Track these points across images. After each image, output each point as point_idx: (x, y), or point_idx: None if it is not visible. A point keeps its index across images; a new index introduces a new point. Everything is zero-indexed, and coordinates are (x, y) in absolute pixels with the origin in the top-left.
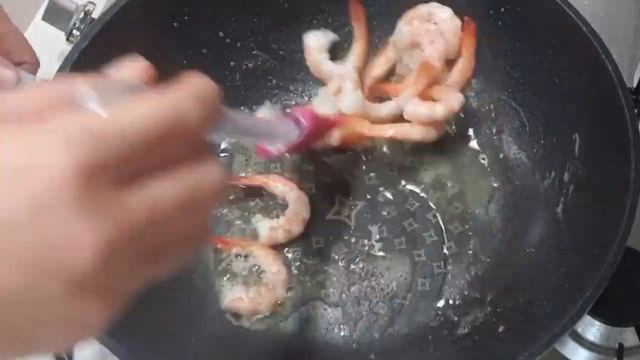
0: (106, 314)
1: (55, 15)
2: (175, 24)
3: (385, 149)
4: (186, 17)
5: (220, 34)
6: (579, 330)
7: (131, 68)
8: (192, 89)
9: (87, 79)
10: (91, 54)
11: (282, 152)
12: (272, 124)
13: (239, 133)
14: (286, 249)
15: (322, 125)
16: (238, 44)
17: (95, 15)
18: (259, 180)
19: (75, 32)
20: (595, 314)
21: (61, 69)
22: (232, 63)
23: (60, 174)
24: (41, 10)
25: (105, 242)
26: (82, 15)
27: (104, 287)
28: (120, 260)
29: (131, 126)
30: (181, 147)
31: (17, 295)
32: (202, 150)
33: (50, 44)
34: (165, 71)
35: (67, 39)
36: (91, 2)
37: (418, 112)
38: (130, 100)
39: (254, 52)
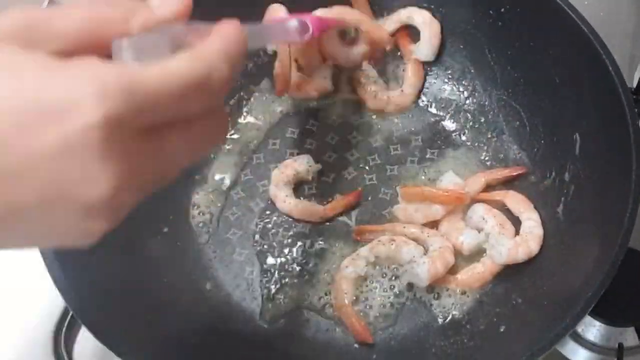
0: (107, 227)
1: None
2: None
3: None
4: None
5: None
6: (579, 330)
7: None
8: (224, 45)
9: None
10: None
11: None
12: (280, 26)
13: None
14: (287, 249)
15: (326, 24)
16: None
17: None
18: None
19: None
20: (595, 314)
21: None
22: None
23: (92, 122)
24: None
25: (119, 181)
26: None
27: (110, 212)
28: (128, 194)
29: (161, 84)
30: (203, 102)
31: (31, 209)
32: (216, 104)
33: None
34: None
35: None
36: None
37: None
38: (166, 55)
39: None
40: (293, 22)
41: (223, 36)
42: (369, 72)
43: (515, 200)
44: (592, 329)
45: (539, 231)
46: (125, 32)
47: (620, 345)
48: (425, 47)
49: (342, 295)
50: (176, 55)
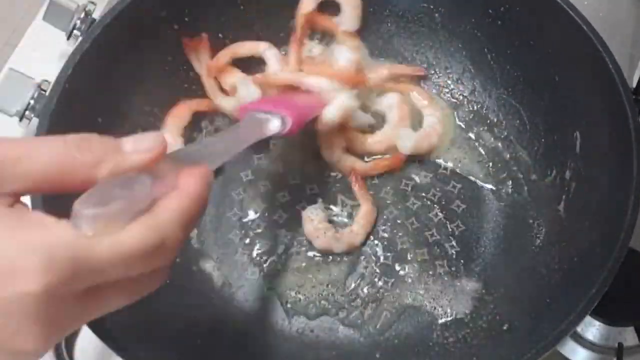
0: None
1: (55, 15)
2: (175, 26)
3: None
4: (186, 19)
5: (220, 35)
6: (579, 330)
7: (147, 143)
8: (182, 207)
9: (89, 193)
10: (93, 55)
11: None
12: (251, 130)
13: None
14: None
15: (307, 112)
16: None
17: (96, 15)
18: None
19: (75, 32)
20: (595, 313)
21: (64, 71)
22: None
23: (31, 290)
24: (42, 11)
25: (47, 340)
26: (82, 15)
27: (39, 353)
28: (57, 338)
29: (110, 256)
30: (153, 266)
31: None
32: (164, 264)
33: (50, 44)
34: (164, 72)
35: (68, 39)
36: (92, 2)
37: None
38: (125, 219)
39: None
40: (272, 121)
41: (183, 197)
42: None
43: (422, 96)
44: (592, 328)
45: (440, 128)
46: (92, 178)
47: (620, 345)
48: (349, 18)
49: None
50: (131, 225)
